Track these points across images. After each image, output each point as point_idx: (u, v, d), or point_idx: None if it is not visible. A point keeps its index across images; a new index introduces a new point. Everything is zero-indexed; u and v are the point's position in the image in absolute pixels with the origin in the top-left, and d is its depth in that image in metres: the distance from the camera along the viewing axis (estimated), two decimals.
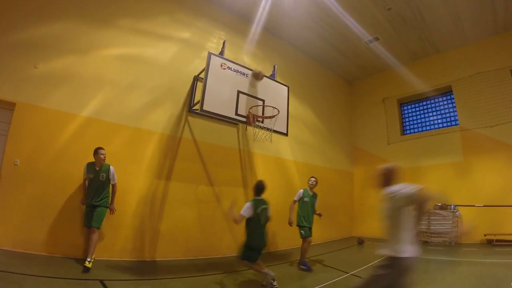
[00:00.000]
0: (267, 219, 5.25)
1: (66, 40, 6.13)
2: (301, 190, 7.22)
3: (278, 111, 7.38)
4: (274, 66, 8.73)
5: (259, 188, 5.35)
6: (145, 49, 7.33)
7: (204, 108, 6.37)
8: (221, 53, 7.38)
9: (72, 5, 6.34)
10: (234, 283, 5.36)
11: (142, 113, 6.89)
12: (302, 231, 6.84)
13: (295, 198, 7.16)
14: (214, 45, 8.71)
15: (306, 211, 7.03)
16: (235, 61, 7.47)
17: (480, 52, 11.21)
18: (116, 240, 6.02)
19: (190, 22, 8.42)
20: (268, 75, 8.44)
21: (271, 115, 7.41)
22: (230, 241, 7.67)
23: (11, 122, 5.40)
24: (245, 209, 4.96)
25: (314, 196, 7.33)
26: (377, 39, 11.13)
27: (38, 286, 3.82)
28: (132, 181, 6.42)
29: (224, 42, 7.58)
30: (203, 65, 7.34)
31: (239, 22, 9.66)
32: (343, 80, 14.76)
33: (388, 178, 3.21)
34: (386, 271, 2.84)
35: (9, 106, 5.42)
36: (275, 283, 4.83)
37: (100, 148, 5.28)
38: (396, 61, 12.62)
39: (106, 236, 5.86)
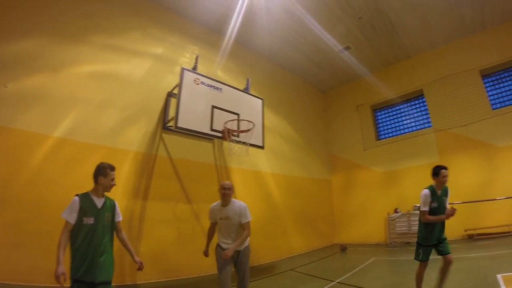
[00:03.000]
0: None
1: (36, 58, 6.17)
2: (426, 191, 4.76)
3: (254, 124, 7.65)
4: (248, 79, 9.01)
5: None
6: (118, 65, 7.43)
7: (179, 125, 6.55)
8: (194, 68, 7.59)
9: (42, 22, 6.41)
10: None
11: (116, 131, 6.95)
12: (419, 251, 5.08)
13: (424, 208, 4.72)
14: (187, 60, 8.92)
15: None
16: (209, 76, 7.68)
17: (449, 55, 11.98)
18: None
19: (162, 37, 8.60)
20: (242, 88, 8.72)
21: (246, 128, 7.65)
22: (212, 258, 7.72)
23: None
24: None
25: (444, 193, 4.97)
26: (349, 48, 11.66)
27: None
28: None
29: (197, 57, 7.80)
30: (177, 81, 7.53)
31: (212, 36, 9.93)
32: (316, 90, 15.32)
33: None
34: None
35: None
36: None
37: (108, 166, 3.54)
38: (368, 68, 13.29)
39: None
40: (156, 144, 7.62)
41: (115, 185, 3.54)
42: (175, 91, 7.73)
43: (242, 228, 4.45)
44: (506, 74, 11.29)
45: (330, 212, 13.77)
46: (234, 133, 7.53)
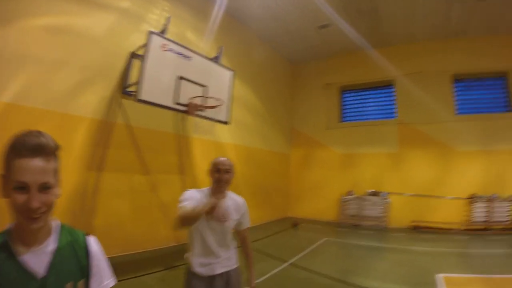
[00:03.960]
0: None
1: None
2: None
3: (222, 101, 7.55)
4: (221, 48, 8.64)
5: None
6: (77, 18, 6.58)
7: (142, 97, 6.25)
8: (164, 32, 7.06)
9: None
10: (176, 280, 5.42)
11: (71, 95, 6.37)
12: None
13: None
14: (155, 17, 8.25)
15: None
16: (178, 42, 7.20)
17: (426, 53, 12.48)
18: None
19: None
20: (212, 55, 8.38)
21: (214, 104, 7.45)
22: (167, 231, 7.77)
23: None
24: None
25: None
26: (328, 25, 11.50)
27: None
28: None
29: (168, 19, 7.25)
30: (142, 40, 7.07)
31: None
32: (286, 61, 15.11)
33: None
34: None
35: None
36: None
37: (14, 147, 1.23)
38: (343, 49, 13.39)
39: None
40: (114, 111, 7.18)
41: (32, 209, 1.17)
42: (140, 52, 7.19)
43: (241, 236, 3.06)
44: (476, 83, 12.26)
45: (286, 185, 14.26)
46: (200, 109, 7.30)
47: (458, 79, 12.34)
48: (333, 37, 12.50)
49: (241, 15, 11.07)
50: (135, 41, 7.58)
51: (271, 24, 11.70)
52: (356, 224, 12.09)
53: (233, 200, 2.94)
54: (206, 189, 2.91)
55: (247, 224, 3.03)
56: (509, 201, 10.87)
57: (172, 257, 6.99)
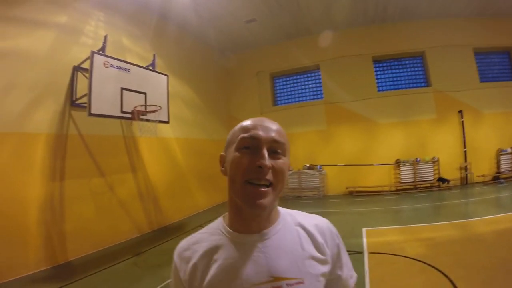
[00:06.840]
0: None
1: None
2: None
3: (160, 107, 8.95)
4: (154, 56, 9.92)
5: None
6: (20, 40, 7.17)
7: (93, 112, 7.41)
8: (103, 49, 8.15)
9: None
10: (146, 262, 7.24)
11: (25, 115, 7.06)
12: None
13: None
14: (92, 28, 9.08)
15: None
16: (117, 57, 8.34)
17: (347, 38, 14.49)
18: (28, 253, 6.57)
19: (66, 3, 8.40)
20: (147, 64, 9.70)
21: (154, 109, 8.87)
22: (129, 224, 9.33)
23: None
24: None
25: None
26: (254, 20, 13.06)
27: None
28: (28, 190, 6.85)
29: (105, 37, 8.28)
30: (83, 53, 8.10)
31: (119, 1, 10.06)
32: (219, 54, 16.53)
33: None
34: None
35: None
36: None
37: None
38: (271, 39, 15.09)
39: (17, 252, 6.41)
40: (66, 123, 8.11)
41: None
42: (83, 65, 8.23)
43: None
44: (395, 63, 14.67)
45: None
46: (143, 114, 8.69)
47: (378, 60, 14.62)
48: (260, 29, 14.12)
49: (173, 16, 12.21)
50: (77, 54, 8.40)
51: (199, 21, 12.87)
52: (297, 196, 14.33)
53: (294, 228, 1.23)
54: (215, 224, 1.28)
55: (349, 271, 1.32)
56: (432, 162, 13.28)
57: (138, 246, 8.57)
